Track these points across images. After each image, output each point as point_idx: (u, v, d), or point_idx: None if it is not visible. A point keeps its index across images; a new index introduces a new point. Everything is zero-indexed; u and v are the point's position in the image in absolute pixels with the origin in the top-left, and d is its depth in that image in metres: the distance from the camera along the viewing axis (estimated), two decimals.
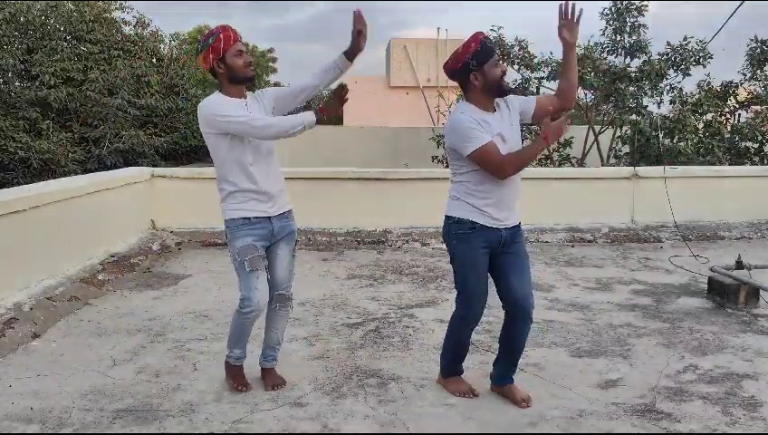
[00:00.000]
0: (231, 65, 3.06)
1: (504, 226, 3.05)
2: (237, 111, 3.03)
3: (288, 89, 3.36)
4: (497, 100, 3.07)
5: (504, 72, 3.01)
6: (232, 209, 3.15)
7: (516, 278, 3.08)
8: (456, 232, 3.06)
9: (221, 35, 3.03)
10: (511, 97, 3.14)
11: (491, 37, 3.08)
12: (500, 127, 3.00)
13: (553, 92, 3.21)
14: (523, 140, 3.26)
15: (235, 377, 3.35)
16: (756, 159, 10.24)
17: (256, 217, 3.13)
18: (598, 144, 10.58)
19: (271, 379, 3.39)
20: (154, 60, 13.62)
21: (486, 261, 3.07)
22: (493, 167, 2.93)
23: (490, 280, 3.12)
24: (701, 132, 10.12)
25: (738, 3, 8.52)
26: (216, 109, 3.03)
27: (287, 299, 3.36)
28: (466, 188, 3.05)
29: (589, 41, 10.12)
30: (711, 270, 5.20)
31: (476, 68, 2.94)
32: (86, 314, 4.56)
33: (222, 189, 3.18)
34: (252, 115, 3.05)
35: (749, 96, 10.72)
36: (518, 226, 3.15)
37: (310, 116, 3.01)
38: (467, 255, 3.06)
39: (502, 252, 3.08)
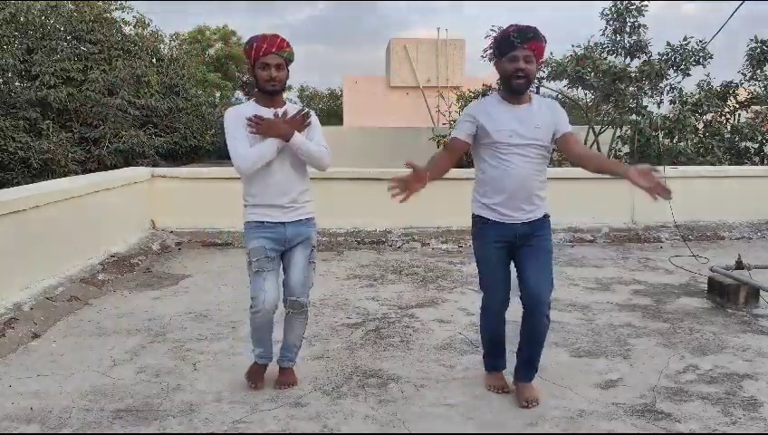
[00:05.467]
0: (256, 76, 3.10)
1: (520, 220, 3.05)
2: (237, 132, 3.06)
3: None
4: (536, 98, 3.05)
5: (516, 70, 2.90)
6: (248, 213, 3.23)
7: (530, 270, 3.06)
8: (473, 227, 3.16)
9: (255, 44, 3.04)
10: (556, 106, 3.11)
11: (512, 33, 3.00)
12: (518, 124, 2.96)
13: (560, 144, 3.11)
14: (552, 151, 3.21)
15: (252, 375, 3.36)
16: (756, 159, 10.24)
17: (270, 222, 3.17)
18: (598, 144, 10.58)
19: (281, 377, 3.38)
20: (154, 60, 13.63)
21: (501, 255, 3.09)
22: (442, 152, 3.20)
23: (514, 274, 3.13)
24: (701, 132, 10.12)
25: (738, 3, 8.52)
26: (227, 121, 3.12)
27: (301, 306, 3.28)
28: (478, 186, 3.15)
29: (589, 41, 10.14)
30: (711, 270, 5.20)
31: (497, 58, 2.99)
32: (86, 314, 4.56)
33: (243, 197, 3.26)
34: (240, 148, 3.04)
35: (749, 96, 10.72)
36: (541, 219, 3.12)
37: (273, 145, 3.05)
38: (479, 248, 3.16)
39: (522, 245, 3.08)
